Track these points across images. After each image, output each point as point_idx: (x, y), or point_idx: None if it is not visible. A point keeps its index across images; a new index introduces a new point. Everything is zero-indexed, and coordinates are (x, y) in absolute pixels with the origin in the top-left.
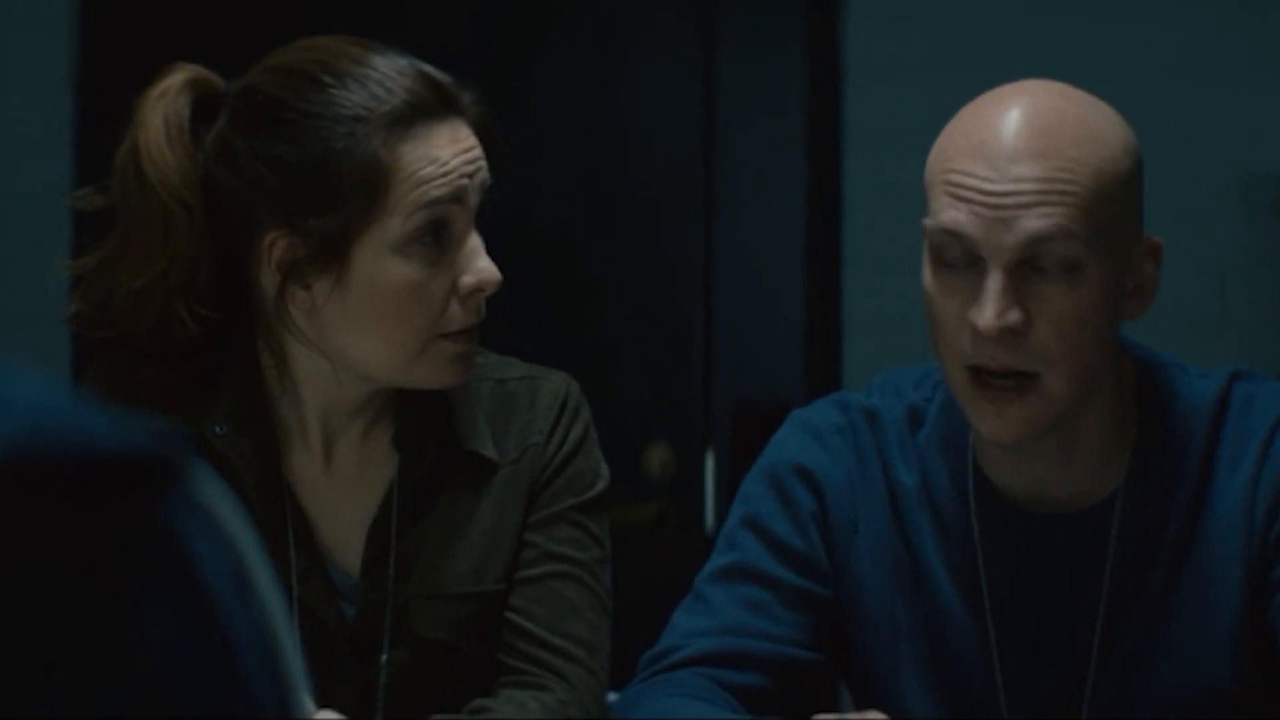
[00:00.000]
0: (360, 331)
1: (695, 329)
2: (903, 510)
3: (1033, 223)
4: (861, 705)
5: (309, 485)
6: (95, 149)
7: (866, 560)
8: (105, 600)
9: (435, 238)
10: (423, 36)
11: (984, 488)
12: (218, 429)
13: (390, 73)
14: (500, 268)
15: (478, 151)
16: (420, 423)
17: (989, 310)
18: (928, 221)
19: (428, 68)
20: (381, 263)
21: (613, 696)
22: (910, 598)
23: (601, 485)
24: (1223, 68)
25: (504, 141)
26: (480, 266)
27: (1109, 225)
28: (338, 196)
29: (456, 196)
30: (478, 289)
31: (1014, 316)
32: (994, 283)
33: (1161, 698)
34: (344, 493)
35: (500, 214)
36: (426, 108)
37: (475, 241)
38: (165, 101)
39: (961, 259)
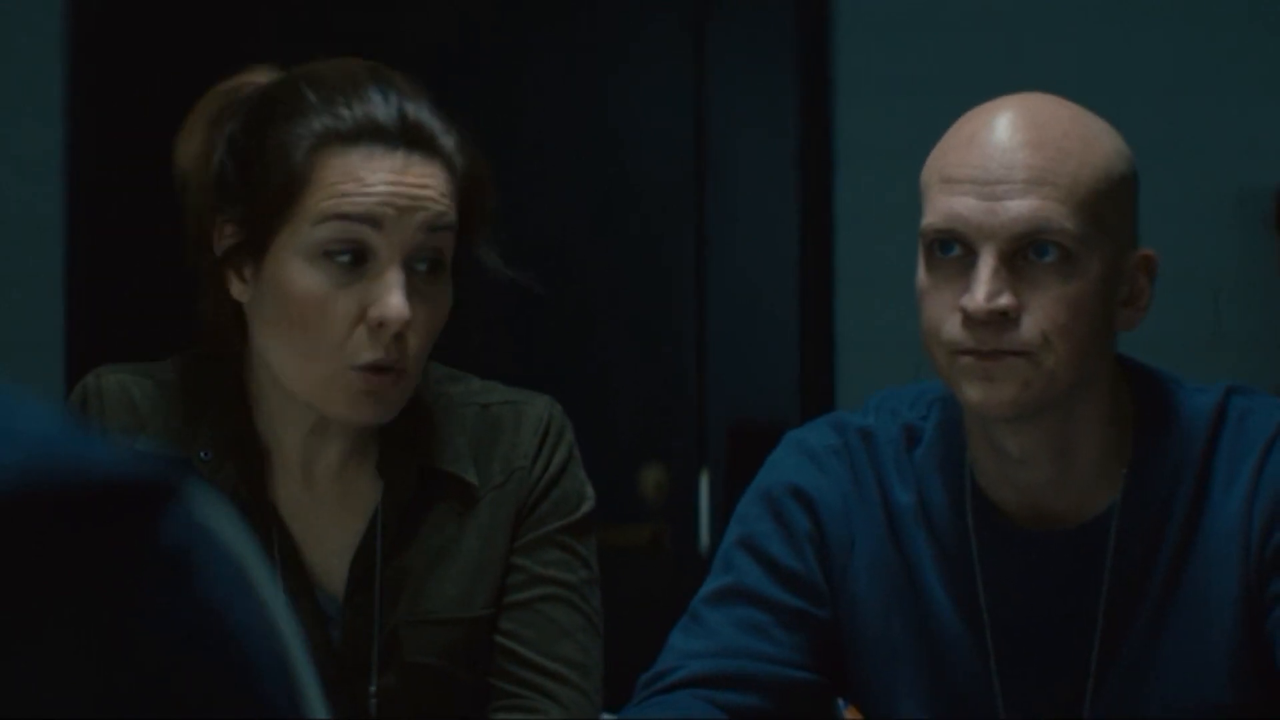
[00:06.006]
0: (272, 335)
1: (689, 349)
2: (900, 529)
3: (1024, 207)
4: None
5: (293, 510)
6: (87, 174)
7: (863, 579)
8: (113, 621)
9: (352, 259)
10: (413, 53)
11: (981, 505)
12: (203, 454)
13: (368, 96)
14: (492, 288)
15: (427, 190)
16: (403, 447)
17: (980, 293)
18: (924, 220)
19: (416, 108)
20: (288, 267)
21: (607, 718)
22: (908, 616)
23: (587, 507)
24: (1217, 83)
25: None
26: (388, 302)
27: (1100, 222)
28: (259, 189)
29: (372, 219)
30: (381, 323)
31: (1005, 300)
32: (985, 266)
33: (1160, 713)
34: (328, 518)
35: (492, 235)
36: (378, 134)
37: (394, 275)
38: (203, 102)
39: (956, 251)
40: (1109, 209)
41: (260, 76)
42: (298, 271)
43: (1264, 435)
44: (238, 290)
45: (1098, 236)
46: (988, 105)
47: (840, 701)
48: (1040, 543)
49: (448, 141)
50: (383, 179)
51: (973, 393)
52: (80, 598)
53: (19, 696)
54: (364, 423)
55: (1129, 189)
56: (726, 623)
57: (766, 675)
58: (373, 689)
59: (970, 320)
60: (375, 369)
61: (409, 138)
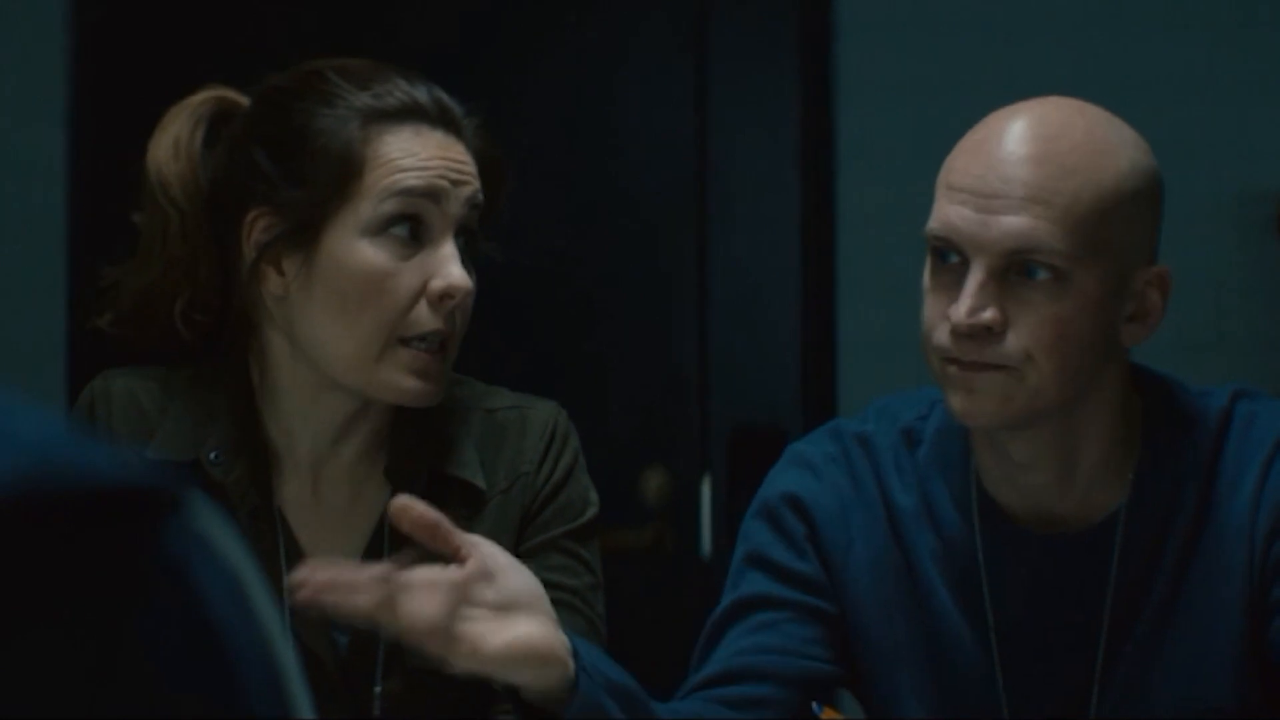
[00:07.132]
0: (325, 320)
1: (690, 352)
2: (901, 530)
3: (1016, 225)
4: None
5: (301, 514)
6: (90, 178)
7: (864, 579)
8: (110, 628)
9: (410, 233)
10: (414, 51)
11: (987, 507)
12: (213, 455)
13: (398, 81)
14: (493, 291)
15: (468, 167)
16: (411, 453)
17: (963, 306)
18: (928, 224)
19: (441, 93)
20: (350, 246)
21: None
22: (911, 616)
23: (591, 512)
24: (1219, 86)
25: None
26: (450, 271)
27: (1101, 239)
28: (312, 172)
29: (431, 192)
30: (446, 294)
31: (988, 315)
32: (973, 280)
33: (1164, 715)
34: (336, 523)
35: (493, 237)
36: (421, 113)
37: (451, 248)
38: (181, 116)
39: (955, 259)
40: (1112, 228)
41: (206, 93)
42: (359, 249)
43: (1270, 440)
44: (274, 285)
45: (1095, 256)
46: (1006, 110)
47: (815, 705)
48: (1046, 545)
49: (469, 124)
50: (434, 154)
51: (955, 401)
52: (76, 605)
53: (14, 702)
54: (412, 402)
55: (1142, 205)
56: (741, 633)
57: (775, 665)
58: (377, 692)
59: (956, 332)
60: (427, 343)
61: (444, 119)
